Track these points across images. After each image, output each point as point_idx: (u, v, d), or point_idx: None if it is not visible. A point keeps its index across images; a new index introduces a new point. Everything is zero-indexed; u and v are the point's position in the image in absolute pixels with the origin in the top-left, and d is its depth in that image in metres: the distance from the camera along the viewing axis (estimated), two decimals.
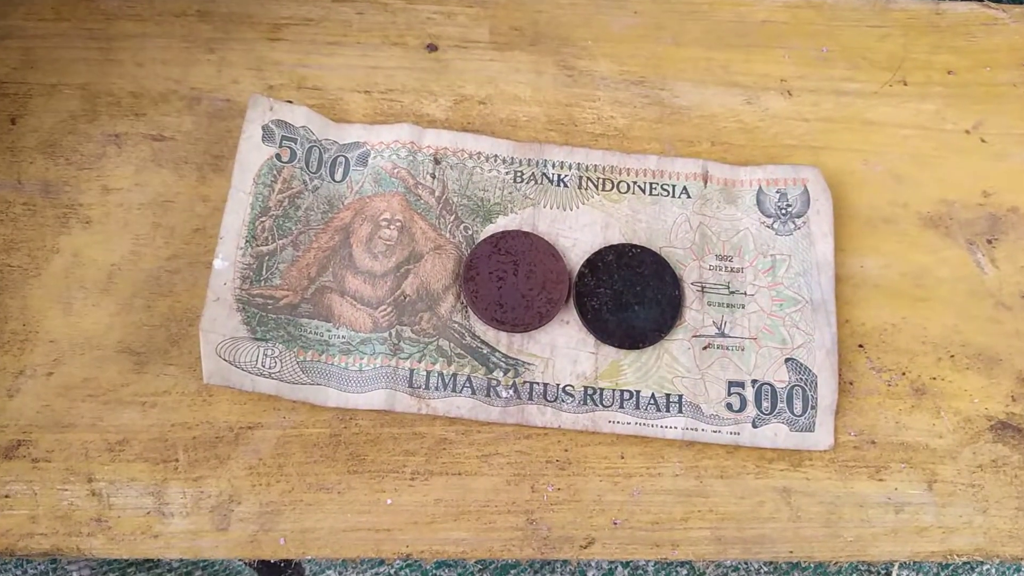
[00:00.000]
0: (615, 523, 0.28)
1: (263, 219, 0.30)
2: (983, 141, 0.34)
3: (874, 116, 0.34)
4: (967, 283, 0.32)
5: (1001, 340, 0.31)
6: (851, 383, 0.30)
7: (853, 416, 0.30)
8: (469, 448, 0.29)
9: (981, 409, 0.30)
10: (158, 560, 0.35)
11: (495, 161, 0.32)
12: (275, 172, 0.30)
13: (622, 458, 0.29)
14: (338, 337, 0.29)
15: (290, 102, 0.32)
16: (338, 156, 0.31)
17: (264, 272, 0.29)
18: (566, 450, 0.29)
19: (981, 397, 0.31)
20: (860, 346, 0.31)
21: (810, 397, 0.29)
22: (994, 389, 0.31)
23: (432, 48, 0.34)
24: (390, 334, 0.29)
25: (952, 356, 0.31)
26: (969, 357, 0.31)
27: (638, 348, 0.29)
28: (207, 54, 0.33)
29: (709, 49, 0.35)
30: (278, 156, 0.30)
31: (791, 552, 0.28)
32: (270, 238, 0.29)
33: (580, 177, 0.32)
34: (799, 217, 0.31)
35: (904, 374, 0.31)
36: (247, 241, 0.29)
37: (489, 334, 0.30)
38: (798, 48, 0.35)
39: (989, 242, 0.33)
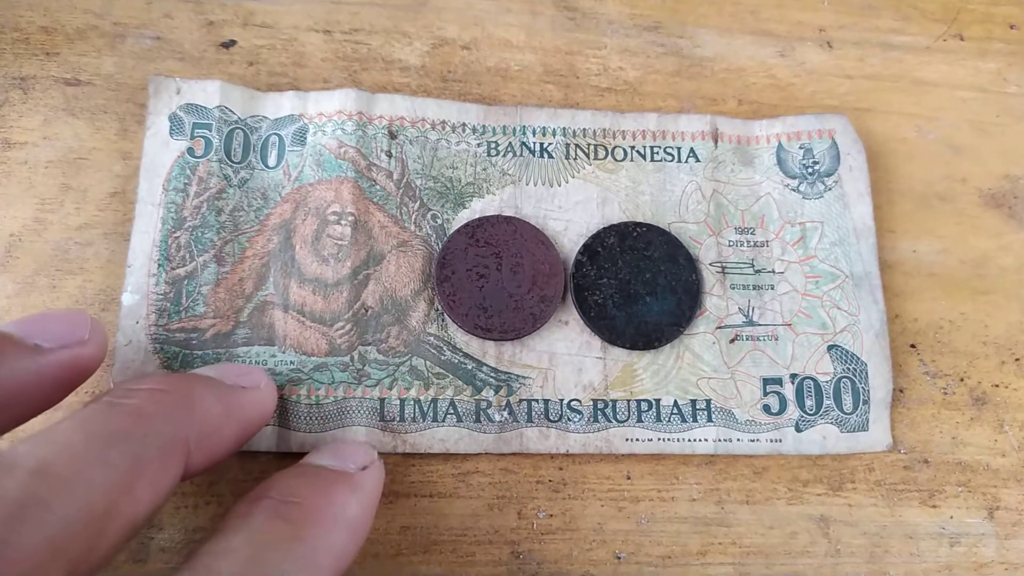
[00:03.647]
0: (619, 557, 0.23)
1: (177, 234, 0.24)
2: None
3: (927, 75, 0.29)
4: None
5: None
6: (901, 391, 0.25)
7: (903, 430, 0.25)
8: (443, 464, 0.24)
9: None
10: None
11: (463, 131, 0.26)
12: (188, 172, 0.24)
13: (628, 479, 0.24)
14: (285, 364, 0.23)
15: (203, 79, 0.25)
16: (270, 135, 0.25)
17: (184, 300, 0.23)
18: (561, 468, 0.24)
19: None
20: (912, 346, 0.26)
21: (861, 390, 0.25)
22: None
23: None
24: (351, 357, 0.24)
25: (1017, 359, 0.26)
26: None
27: (653, 347, 0.24)
28: None
29: None
30: (190, 150, 0.24)
31: None
32: (187, 256, 0.24)
33: (567, 145, 0.26)
34: (829, 176, 0.26)
35: (963, 380, 0.26)
36: (160, 265, 0.23)
37: (473, 345, 0.24)
38: None
39: None
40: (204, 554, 0.16)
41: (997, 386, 0.26)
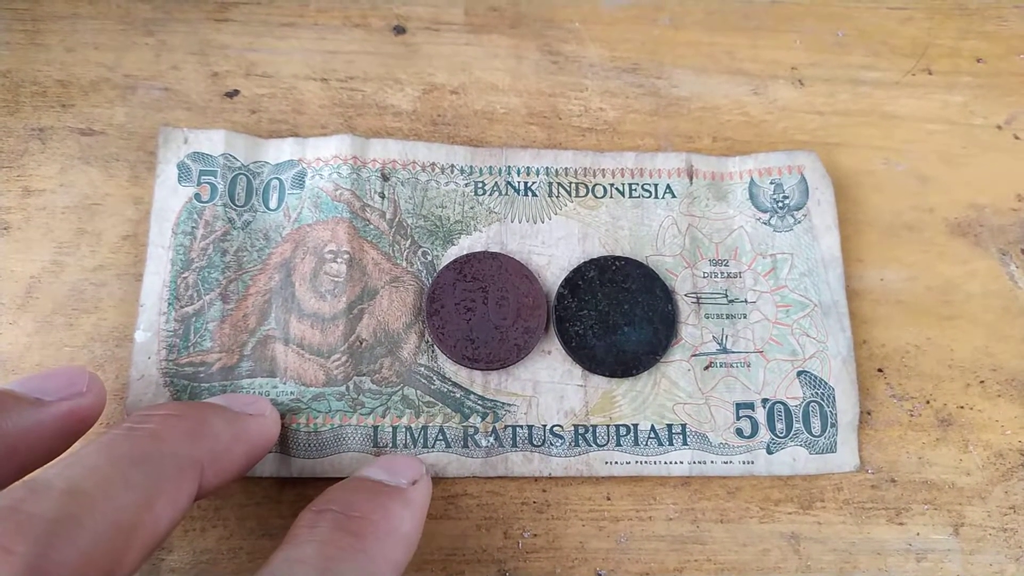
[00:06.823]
0: (600, 574, 0.25)
1: (186, 274, 0.25)
2: (1016, 138, 0.31)
3: (895, 109, 0.31)
4: (999, 299, 0.28)
5: None
6: (869, 413, 0.27)
7: (871, 451, 0.26)
8: (433, 488, 0.25)
9: (1014, 442, 0.27)
10: None
11: (452, 172, 0.28)
12: (196, 216, 0.26)
13: (608, 499, 0.26)
14: (285, 394, 0.25)
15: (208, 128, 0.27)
16: (271, 179, 0.27)
17: (192, 336, 0.25)
18: (544, 490, 0.26)
19: (1014, 428, 0.27)
20: (879, 370, 0.27)
21: (828, 413, 0.26)
22: None
23: (399, 31, 0.30)
24: (347, 387, 0.25)
25: (982, 382, 0.28)
26: (1001, 383, 0.27)
27: (632, 375, 0.26)
28: (145, 37, 0.29)
29: (711, 33, 0.31)
30: (197, 196, 0.26)
31: None
32: (195, 295, 0.25)
33: (550, 183, 0.28)
34: (798, 209, 0.28)
35: (928, 403, 0.27)
36: (170, 304, 0.25)
37: (461, 374, 0.26)
38: (811, 32, 0.31)
39: None
40: (280, 561, 0.18)
41: (962, 408, 0.27)
